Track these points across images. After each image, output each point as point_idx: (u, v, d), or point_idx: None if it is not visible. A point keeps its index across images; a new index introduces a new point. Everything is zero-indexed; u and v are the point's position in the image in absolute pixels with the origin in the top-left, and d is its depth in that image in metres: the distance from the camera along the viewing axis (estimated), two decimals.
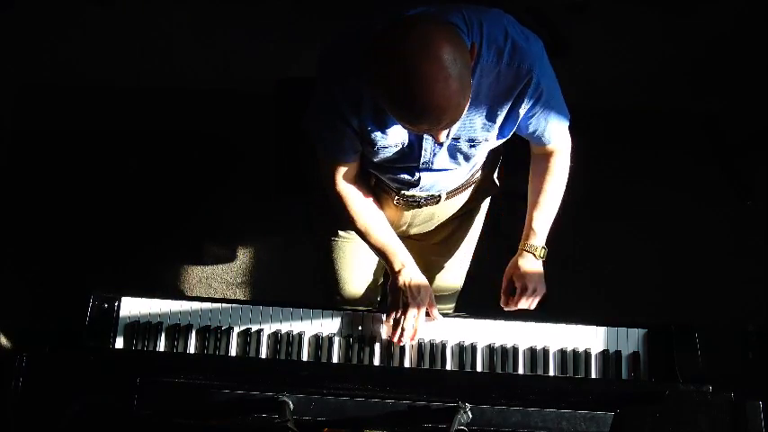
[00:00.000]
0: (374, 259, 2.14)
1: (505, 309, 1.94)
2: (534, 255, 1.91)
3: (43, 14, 3.34)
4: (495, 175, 2.05)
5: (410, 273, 1.88)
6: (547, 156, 1.90)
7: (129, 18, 3.38)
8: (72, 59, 3.30)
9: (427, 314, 1.89)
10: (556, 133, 1.81)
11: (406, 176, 1.83)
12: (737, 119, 3.21)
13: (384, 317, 1.88)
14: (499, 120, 1.69)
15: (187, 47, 3.32)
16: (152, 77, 3.29)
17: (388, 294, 1.90)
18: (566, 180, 1.92)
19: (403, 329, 1.84)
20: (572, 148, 1.91)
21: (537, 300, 1.92)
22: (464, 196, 2.02)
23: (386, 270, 1.97)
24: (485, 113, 1.68)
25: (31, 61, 3.29)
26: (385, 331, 1.89)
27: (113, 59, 3.31)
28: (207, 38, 3.34)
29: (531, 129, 1.77)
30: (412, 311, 1.85)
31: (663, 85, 3.29)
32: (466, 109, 1.51)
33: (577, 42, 3.25)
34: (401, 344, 1.86)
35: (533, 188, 1.93)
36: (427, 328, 1.89)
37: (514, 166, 1.99)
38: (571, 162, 1.92)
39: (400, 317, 1.85)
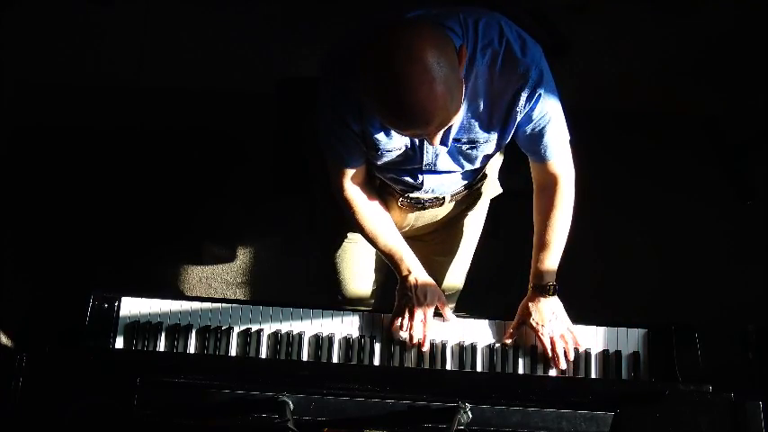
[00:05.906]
0: (377, 260, 2.14)
1: (557, 368, 1.84)
2: (545, 294, 1.85)
3: (43, 14, 3.34)
4: (497, 176, 2.05)
5: (417, 277, 1.87)
6: (550, 187, 1.83)
7: (129, 18, 3.38)
8: (72, 59, 3.29)
9: (441, 315, 1.88)
10: (556, 146, 1.76)
11: (410, 179, 1.83)
12: (738, 119, 3.21)
13: (390, 317, 1.88)
14: (498, 121, 1.69)
15: (187, 47, 3.32)
16: (152, 77, 3.29)
17: (395, 298, 1.89)
18: (571, 214, 1.85)
19: (411, 335, 1.83)
20: (572, 152, 1.83)
21: (572, 343, 1.84)
22: (468, 198, 2.02)
23: (389, 271, 1.97)
24: (484, 115, 1.67)
25: (32, 60, 3.29)
26: (386, 331, 1.88)
27: (113, 59, 3.31)
28: (207, 38, 3.33)
29: (529, 136, 1.73)
30: (418, 316, 1.84)
31: (663, 85, 3.29)
32: (462, 111, 1.50)
33: (577, 42, 3.24)
34: (423, 347, 1.84)
35: (539, 227, 1.86)
36: (439, 329, 1.88)
37: (515, 165, 1.99)
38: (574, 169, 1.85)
39: (407, 323, 1.84)
